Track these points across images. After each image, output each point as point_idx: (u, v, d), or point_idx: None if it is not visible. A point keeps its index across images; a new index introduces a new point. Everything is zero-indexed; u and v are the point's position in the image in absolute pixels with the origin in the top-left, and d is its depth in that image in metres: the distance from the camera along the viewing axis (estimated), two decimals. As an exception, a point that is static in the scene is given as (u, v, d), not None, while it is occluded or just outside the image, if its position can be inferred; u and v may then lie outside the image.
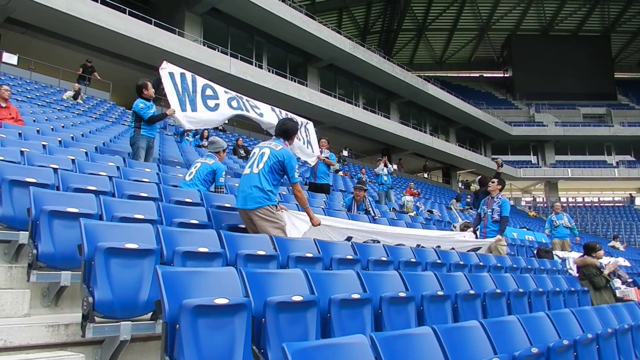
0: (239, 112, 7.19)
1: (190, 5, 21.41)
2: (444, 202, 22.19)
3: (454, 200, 20.71)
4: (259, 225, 4.39)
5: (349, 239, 5.21)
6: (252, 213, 4.40)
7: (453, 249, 6.50)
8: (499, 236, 7.14)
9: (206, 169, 5.85)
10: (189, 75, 6.76)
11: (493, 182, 7.52)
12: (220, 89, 7.12)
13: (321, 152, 9.61)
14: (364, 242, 5.28)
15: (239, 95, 7.42)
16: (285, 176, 4.58)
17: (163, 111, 7.04)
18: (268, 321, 2.54)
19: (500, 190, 7.52)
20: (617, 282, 7.53)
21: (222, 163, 6.22)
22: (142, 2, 21.72)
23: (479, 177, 10.17)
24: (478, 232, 7.58)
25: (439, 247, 6.25)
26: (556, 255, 9.06)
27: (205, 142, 12.60)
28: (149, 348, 2.85)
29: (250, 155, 4.76)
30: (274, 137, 4.81)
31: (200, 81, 6.89)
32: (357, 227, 5.63)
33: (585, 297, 6.08)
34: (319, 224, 4.89)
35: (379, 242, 5.44)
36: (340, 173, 18.68)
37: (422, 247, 5.96)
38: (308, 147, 8.28)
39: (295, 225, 4.98)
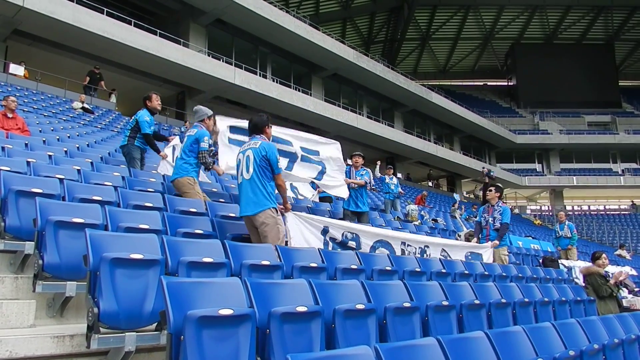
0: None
1: (195, 17, 21.58)
2: (449, 210, 22.12)
3: (455, 207, 20.62)
4: (261, 231, 4.38)
5: (325, 230, 5.22)
6: (254, 218, 4.40)
7: (444, 250, 6.48)
8: (496, 242, 7.18)
9: (189, 140, 5.58)
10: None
11: (491, 190, 7.59)
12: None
13: (349, 170, 8.23)
14: (341, 235, 5.32)
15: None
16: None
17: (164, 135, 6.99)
18: (272, 332, 2.54)
19: (499, 197, 7.58)
20: (624, 292, 7.48)
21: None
22: (147, 14, 21.93)
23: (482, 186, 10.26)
24: (480, 241, 7.58)
25: (427, 246, 6.23)
26: (562, 264, 9.03)
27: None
28: (154, 359, 2.85)
29: (236, 162, 4.72)
30: (250, 136, 4.77)
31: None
32: (335, 222, 5.59)
33: (591, 306, 6.04)
34: (290, 209, 4.98)
35: (357, 236, 5.46)
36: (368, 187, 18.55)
37: (408, 244, 5.96)
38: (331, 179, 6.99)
39: (302, 233, 4.99)
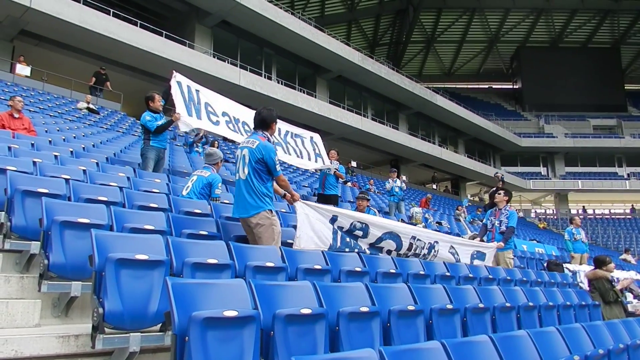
0: (234, 135, 6.68)
1: (201, 18, 21.65)
2: (454, 213, 22.05)
3: (459, 209, 20.54)
4: (256, 232, 4.32)
5: (334, 219, 5.19)
6: (249, 220, 4.34)
7: (452, 247, 6.46)
8: (500, 243, 7.16)
9: (202, 181, 5.73)
10: (194, 88, 6.43)
11: (500, 194, 7.56)
12: (219, 109, 6.65)
13: (330, 162, 9.43)
14: (349, 224, 5.29)
15: (236, 118, 6.87)
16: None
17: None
18: (277, 334, 2.54)
19: (508, 201, 7.56)
20: (629, 297, 7.44)
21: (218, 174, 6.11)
22: (153, 15, 21.99)
23: (492, 190, 10.28)
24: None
25: (436, 242, 6.22)
26: (567, 268, 8.98)
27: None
28: (158, 360, 2.86)
29: (235, 157, 4.68)
30: (252, 131, 4.65)
31: (203, 97, 6.50)
32: (344, 212, 5.58)
33: (596, 311, 6.01)
34: (299, 199, 4.93)
35: (366, 226, 5.43)
36: (349, 184, 18.68)
37: (418, 239, 5.92)
38: (317, 159, 7.87)
39: (310, 221, 4.98)
